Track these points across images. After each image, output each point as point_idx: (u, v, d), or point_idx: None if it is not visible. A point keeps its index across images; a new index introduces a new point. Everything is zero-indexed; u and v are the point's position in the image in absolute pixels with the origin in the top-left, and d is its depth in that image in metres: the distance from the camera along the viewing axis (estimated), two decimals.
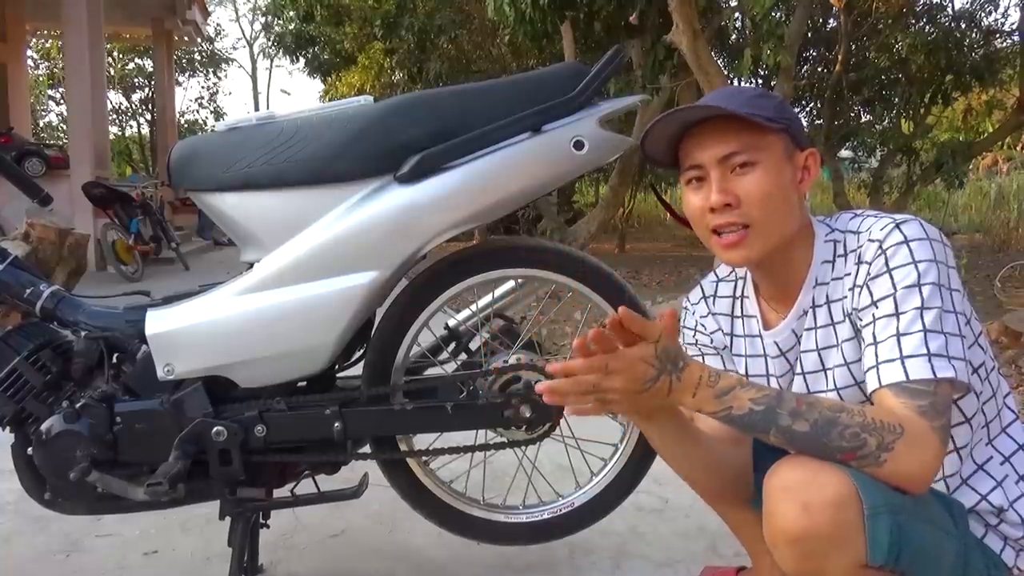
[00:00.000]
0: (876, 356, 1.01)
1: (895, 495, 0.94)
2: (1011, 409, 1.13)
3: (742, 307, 1.27)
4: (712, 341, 1.30)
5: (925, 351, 0.97)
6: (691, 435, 1.16)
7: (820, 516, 0.92)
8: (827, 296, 1.13)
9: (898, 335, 0.99)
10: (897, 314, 1.00)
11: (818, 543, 0.92)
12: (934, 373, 0.96)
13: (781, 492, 0.95)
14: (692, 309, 1.34)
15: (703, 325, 1.31)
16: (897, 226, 1.05)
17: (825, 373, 1.15)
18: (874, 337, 1.02)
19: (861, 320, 1.06)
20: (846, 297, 1.09)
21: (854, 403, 0.98)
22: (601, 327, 0.97)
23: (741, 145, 1.07)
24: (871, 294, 1.04)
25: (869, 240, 1.06)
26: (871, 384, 1.01)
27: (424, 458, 1.55)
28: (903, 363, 0.98)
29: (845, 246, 1.11)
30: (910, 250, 1.02)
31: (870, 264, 1.05)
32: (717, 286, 1.31)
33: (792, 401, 0.96)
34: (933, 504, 1.00)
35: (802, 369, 1.18)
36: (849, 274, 1.09)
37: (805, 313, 1.16)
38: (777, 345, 1.21)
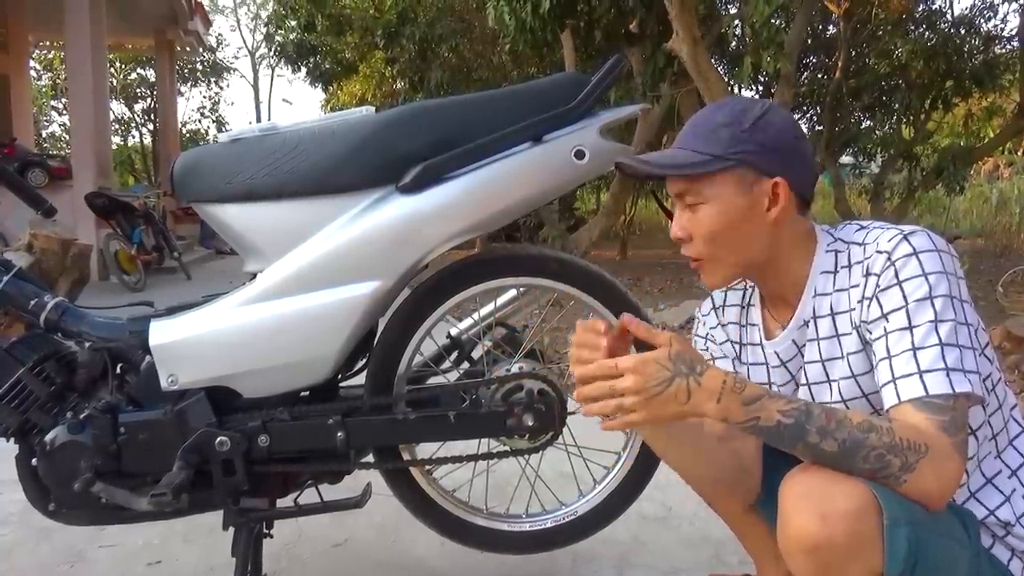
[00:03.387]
0: (892, 371, 1.00)
1: (913, 505, 0.94)
2: (1018, 421, 1.12)
3: (747, 315, 1.27)
4: (723, 352, 1.30)
5: (943, 365, 0.97)
6: (697, 432, 1.19)
7: (838, 526, 0.91)
8: (831, 307, 1.12)
9: (914, 349, 0.99)
10: (911, 327, 1.00)
11: (835, 553, 0.92)
12: (952, 388, 0.96)
13: (798, 501, 0.95)
14: (703, 320, 1.34)
15: (713, 336, 1.31)
16: (905, 237, 1.04)
17: (830, 384, 1.14)
18: (888, 351, 1.01)
19: (871, 333, 1.05)
20: (854, 309, 1.08)
21: (881, 420, 0.96)
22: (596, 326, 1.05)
23: (687, 186, 1.11)
24: (881, 306, 1.03)
25: (877, 252, 1.06)
26: (889, 399, 1.00)
27: (427, 467, 1.56)
28: (921, 378, 0.97)
29: (850, 257, 1.11)
30: (919, 262, 1.02)
31: (879, 276, 1.04)
32: (726, 295, 1.31)
33: (821, 417, 0.95)
34: (947, 514, 1.00)
35: (806, 380, 1.17)
36: (856, 286, 1.08)
37: (806, 323, 1.15)
38: (778, 355, 1.21)
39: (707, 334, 1.33)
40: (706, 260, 1.13)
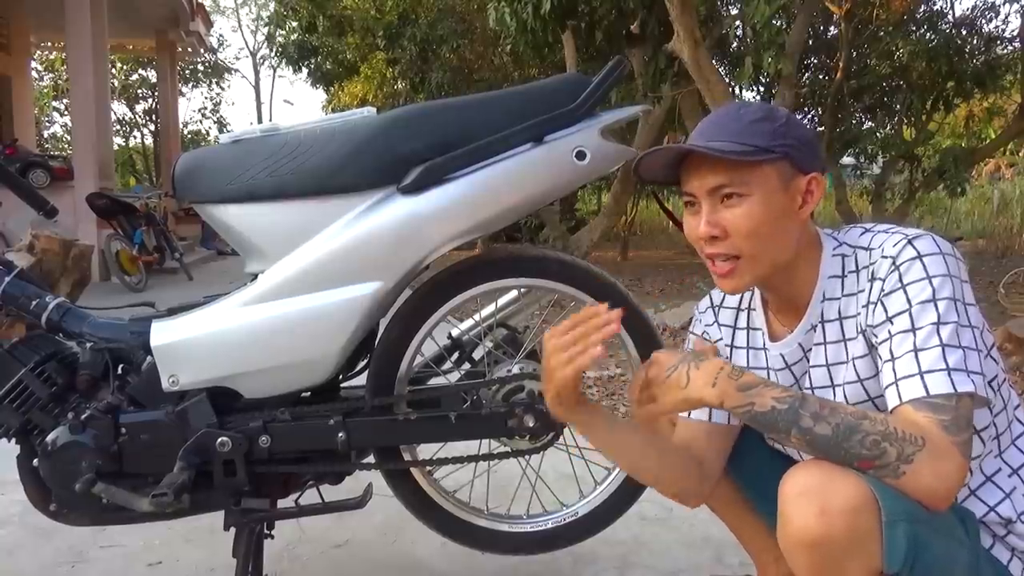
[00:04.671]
0: (895, 372, 1.00)
1: (912, 503, 0.94)
2: (1021, 422, 1.12)
3: (748, 319, 1.27)
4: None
5: (944, 366, 0.97)
6: (655, 440, 1.26)
7: (836, 522, 0.91)
8: (839, 311, 1.12)
9: (916, 350, 0.99)
10: (914, 329, 1.00)
11: (834, 549, 0.92)
12: (954, 387, 0.96)
13: (797, 497, 0.95)
14: (699, 317, 1.35)
15: (708, 333, 1.32)
16: (910, 241, 1.04)
17: (834, 389, 1.14)
18: (891, 353, 1.01)
19: (876, 337, 1.05)
20: (860, 313, 1.09)
21: (877, 412, 0.97)
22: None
23: (729, 177, 1.07)
24: (886, 310, 1.03)
25: (882, 256, 1.06)
26: (891, 400, 1.00)
27: (428, 468, 1.56)
28: (923, 378, 0.97)
29: (856, 262, 1.11)
30: (924, 265, 1.02)
31: (884, 280, 1.04)
32: (724, 297, 1.31)
33: (815, 404, 0.96)
34: (946, 514, 0.99)
35: (810, 384, 1.17)
36: (863, 290, 1.08)
37: (813, 328, 1.15)
38: (783, 358, 1.20)
39: (703, 332, 1.33)
40: (744, 257, 1.09)
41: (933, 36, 7.76)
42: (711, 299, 1.34)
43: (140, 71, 19.73)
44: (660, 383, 1.03)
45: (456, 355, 1.61)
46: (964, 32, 7.97)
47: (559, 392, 1.10)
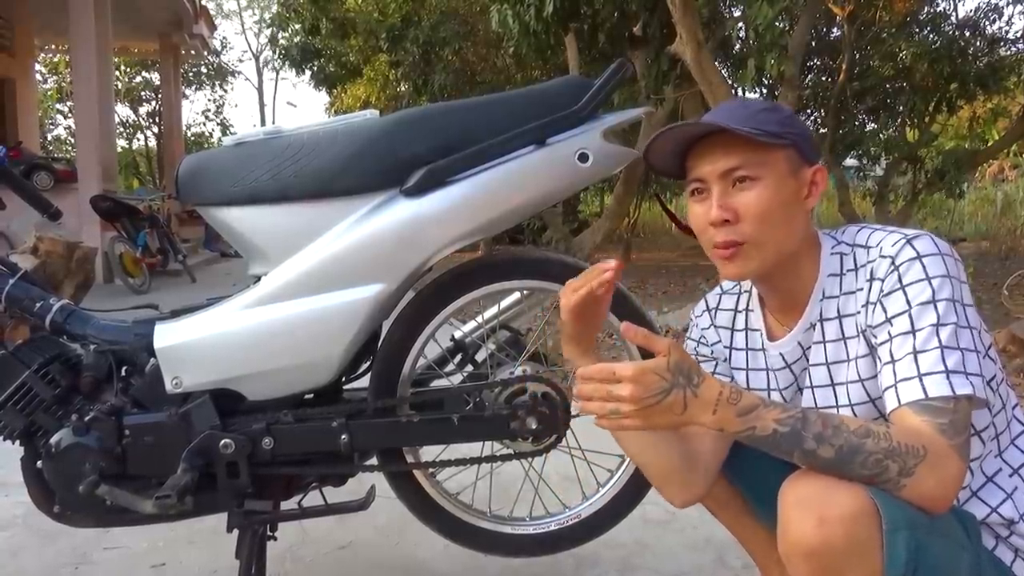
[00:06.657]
0: (894, 375, 1.00)
1: (913, 510, 0.94)
2: (1020, 421, 1.12)
3: (745, 320, 1.27)
4: (712, 352, 1.31)
5: (943, 368, 0.97)
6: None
7: (836, 530, 0.91)
8: (838, 310, 1.12)
9: (915, 352, 0.99)
10: (913, 331, 1.00)
11: (833, 557, 0.92)
12: (953, 390, 0.96)
13: (796, 505, 0.95)
14: (696, 321, 1.35)
15: (705, 337, 1.32)
16: (909, 242, 1.04)
17: (834, 388, 1.14)
18: (891, 355, 1.01)
19: (876, 337, 1.05)
20: (859, 313, 1.09)
21: (879, 424, 0.96)
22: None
23: (743, 160, 1.07)
24: (885, 311, 1.04)
25: (881, 256, 1.06)
26: (890, 403, 1.00)
27: (430, 470, 1.56)
28: (921, 381, 0.97)
29: (855, 260, 1.11)
30: (923, 266, 1.02)
31: (883, 280, 1.04)
32: (720, 299, 1.32)
33: (817, 424, 0.94)
34: (947, 517, 0.99)
35: (810, 383, 1.17)
36: (861, 289, 1.08)
37: (812, 326, 1.15)
38: (783, 357, 1.20)
39: (700, 336, 1.33)
40: (752, 242, 1.08)
41: (936, 38, 7.77)
42: (707, 303, 1.34)
43: (144, 73, 19.79)
44: (647, 406, 0.94)
45: (459, 357, 1.62)
46: (967, 34, 7.96)
47: (570, 329, 1.16)
